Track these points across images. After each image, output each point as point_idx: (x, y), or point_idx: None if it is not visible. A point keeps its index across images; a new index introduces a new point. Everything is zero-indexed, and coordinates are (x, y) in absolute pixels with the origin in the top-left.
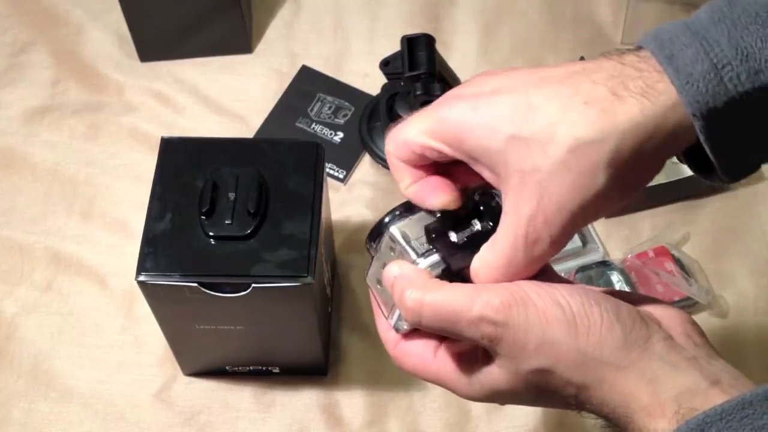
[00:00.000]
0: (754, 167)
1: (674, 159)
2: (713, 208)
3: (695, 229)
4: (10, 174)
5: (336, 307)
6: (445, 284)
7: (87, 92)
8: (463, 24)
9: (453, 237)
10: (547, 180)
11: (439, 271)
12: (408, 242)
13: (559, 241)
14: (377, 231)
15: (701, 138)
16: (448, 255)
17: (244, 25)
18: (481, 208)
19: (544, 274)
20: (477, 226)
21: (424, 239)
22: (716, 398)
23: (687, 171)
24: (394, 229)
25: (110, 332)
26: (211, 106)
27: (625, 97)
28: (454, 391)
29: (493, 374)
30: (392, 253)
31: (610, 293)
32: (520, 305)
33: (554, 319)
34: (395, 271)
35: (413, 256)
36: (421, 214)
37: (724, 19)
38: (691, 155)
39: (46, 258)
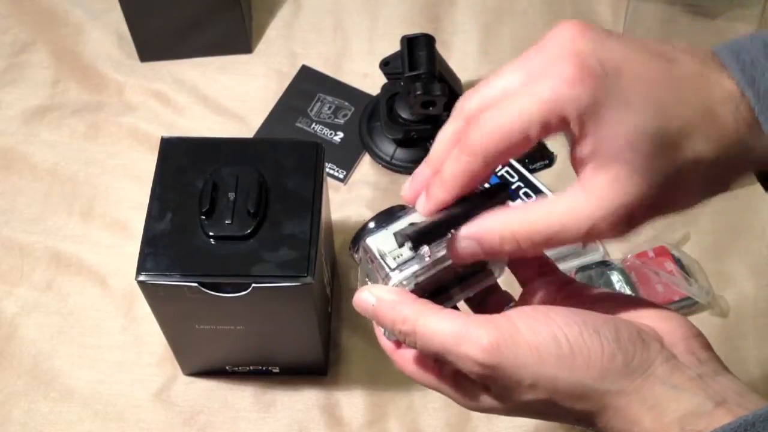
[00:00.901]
0: None
1: None
2: (713, 208)
3: (695, 229)
4: (10, 174)
5: (336, 307)
6: (435, 311)
7: (87, 92)
8: (463, 24)
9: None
10: (659, 184)
11: (412, 285)
12: (383, 256)
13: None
14: (355, 241)
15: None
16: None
17: (244, 25)
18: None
19: (565, 284)
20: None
21: (398, 252)
22: (722, 419)
23: None
24: (370, 241)
25: (110, 332)
26: (211, 106)
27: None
28: (455, 401)
29: (491, 401)
30: (370, 265)
31: (612, 300)
32: (510, 344)
33: (548, 355)
34: (369, 299)
35: (386, 270)
36: (399, 224)
37: None
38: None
39: (46, 258)
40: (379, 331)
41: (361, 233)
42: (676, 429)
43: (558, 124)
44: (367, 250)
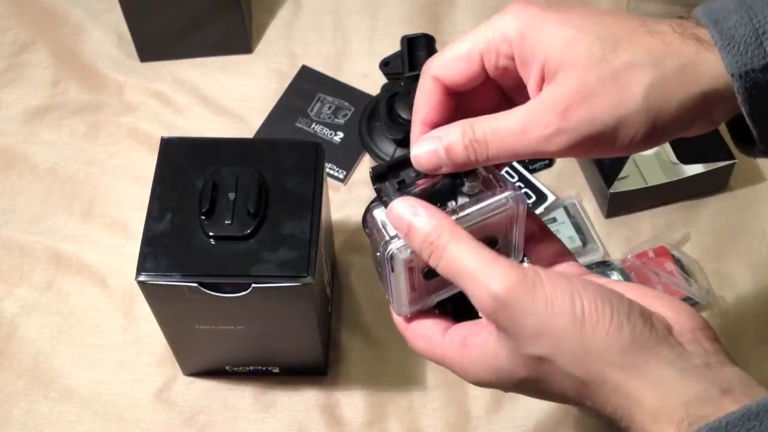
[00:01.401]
0: None
1: (674, 159)
2: (713, 208)
3: (695, 229)
4: (10, 174)
5: (336, 307)
6: (470, 238)
7: (87, 92)
8: (463, 24)
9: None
10: (594, 83)
11: (408, 253)
12: (384, 226)
13: (573, 133)
14: (363, 217)
15: (739, 100)
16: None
17: (244, 25)
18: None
19: (582, 274)
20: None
21: None
22: (728, 407)
23: (687, 171)
24: (376, 213)
25: (110, 332)
26: (211, 106)
27: (685, 39)
28: (460, 373)
29: (497, 354)
30: (375, 236)
31: (625, 287)
32: (529, 288)
33: (561, 311)
34: (409, 209)
35: (386, 237)
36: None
37: None
38: (736, 128)
39: (46, 258)
40: (392, 310)
41: (367, 208)
42: (681, 413)
43: (501, 44)
44: (371, 222)
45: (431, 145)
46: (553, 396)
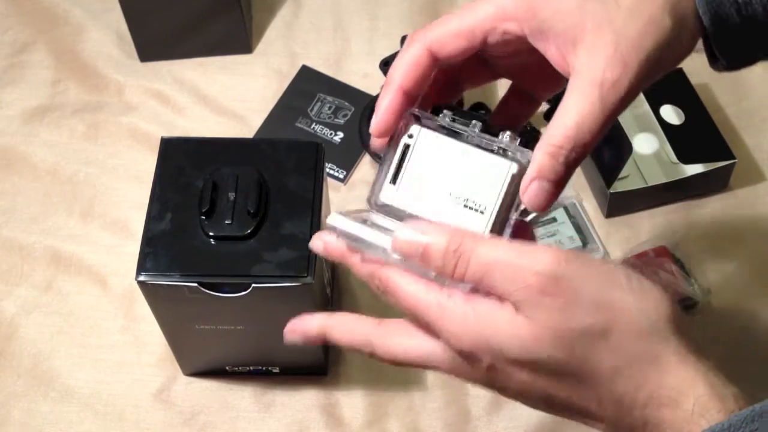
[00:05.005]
0: (752, 59)
1: (674, 159)
2: (713, 208)
3: (695, 229)
4: (10, 174)
5: (336, 307)
6: (491, 239)
7: (87, 92)
8: None
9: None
10: (622, 27)
11: None
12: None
13: (634, 86)
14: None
15: (700, 11)
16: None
17: (244, 25)
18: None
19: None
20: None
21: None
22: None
23: (687, 171)
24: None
25: (110, 332)
26: (211, 106)
27: None
28: (441, 326)
29: (515, 325)
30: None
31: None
32: (580, 260)
33: (616, 283)
34: (417, 233)
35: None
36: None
37: None
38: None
39: (46, 258)
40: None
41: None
42: (730, 402)
43: (506, 21)
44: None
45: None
46: (564, 404)
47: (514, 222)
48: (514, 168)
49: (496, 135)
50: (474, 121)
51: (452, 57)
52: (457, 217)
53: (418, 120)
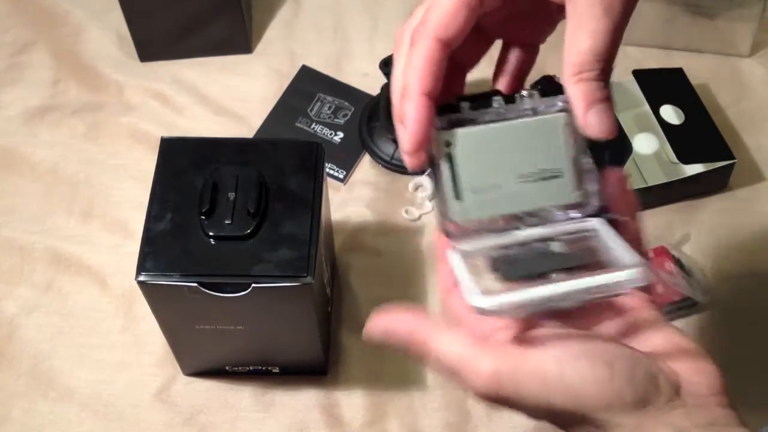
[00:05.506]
0: None
1: (674, 159)
2: (713, 208)
3: (695, 229)
4: (10, 174)
5: (336, 307)
6: (446, 331)
7: (87, 92)
8: None
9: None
10: None
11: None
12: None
13: None
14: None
15: None
16: None
17: (244, 25)
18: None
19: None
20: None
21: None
22: None
23: (687, 171)
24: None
25: (110, 332)
26: (211, 106)
27: None
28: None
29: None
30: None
31: (654, 330)
32: (512, 375)
33: (554, 385)
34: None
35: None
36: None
37: None
38: None
39: (46, 258)
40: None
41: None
42: None
43: None
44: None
45: None
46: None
47: (606, 166)
48: (561, 117)
49: (520, 100)
50: (494, 98)
51: (460, 35)
52: (540, 193)
53: (445, 125)
